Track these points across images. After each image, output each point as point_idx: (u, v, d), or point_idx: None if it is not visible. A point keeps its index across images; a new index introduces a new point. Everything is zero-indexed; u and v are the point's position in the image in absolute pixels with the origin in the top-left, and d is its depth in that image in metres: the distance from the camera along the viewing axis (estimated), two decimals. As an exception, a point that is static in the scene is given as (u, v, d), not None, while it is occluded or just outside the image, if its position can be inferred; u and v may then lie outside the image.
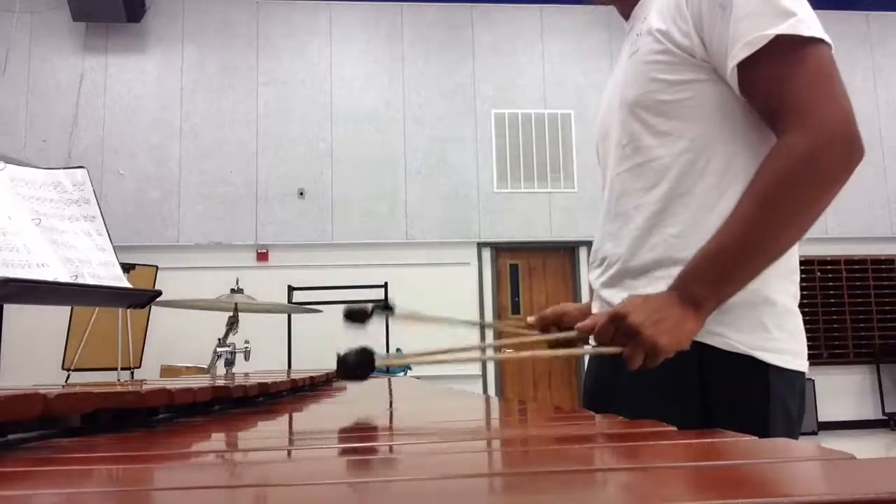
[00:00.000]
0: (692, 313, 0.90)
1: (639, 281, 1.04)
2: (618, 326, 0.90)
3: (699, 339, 0.97)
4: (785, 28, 0.90)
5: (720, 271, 0.91)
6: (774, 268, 0.98)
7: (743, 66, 0.93)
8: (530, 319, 1.28)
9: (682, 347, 0.90)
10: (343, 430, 0.78)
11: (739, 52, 0.92)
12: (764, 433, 0.49)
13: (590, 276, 1.20)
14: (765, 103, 0.95)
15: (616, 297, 1.08)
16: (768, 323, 0.98)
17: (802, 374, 1.01)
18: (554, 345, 1.13)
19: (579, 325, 0.96)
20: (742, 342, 0.97)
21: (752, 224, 0.90)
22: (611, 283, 1.10)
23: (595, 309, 1.16)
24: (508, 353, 1.02)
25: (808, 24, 0.91)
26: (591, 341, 0.98)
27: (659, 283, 0.99)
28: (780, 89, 0.91)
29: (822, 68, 0.91)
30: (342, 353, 0.88)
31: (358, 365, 0.87)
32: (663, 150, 1.03)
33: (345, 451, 0.60)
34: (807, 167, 0.88)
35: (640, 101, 1.05)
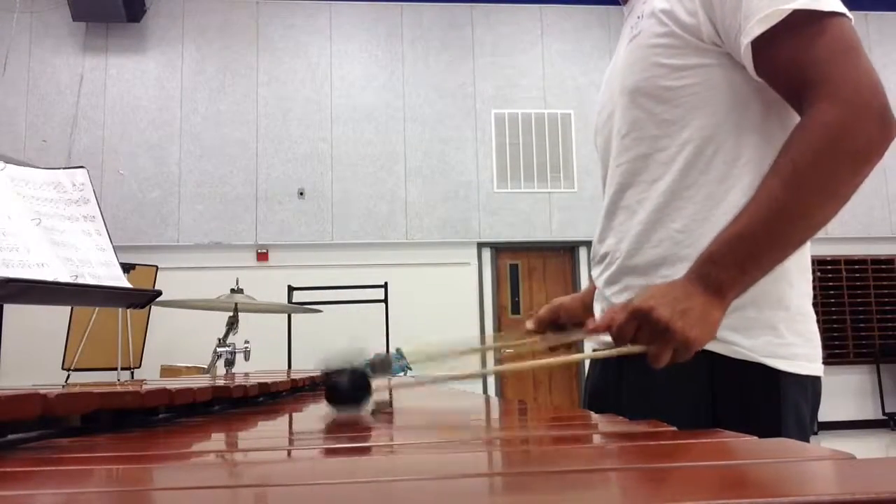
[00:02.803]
0: (716, 301, 0.83)
1: (642, 279, 1.00)
2: (641, 322, 0.81)
3: (708, 347, 0.91)
4: (803, 2, 0.84)
5: (746, 254, 0.83)
6: (790, 266, 0.94)
7: (758, 43, 0.87)
8: (528, 325, 1.22)
9: (711, 339, 0.83)
10: (344, 430, 0.78)
11: (754, 28, 0.87)
12: None
13: (592, 273, 1.15)
14: (786, 80, 0.89)
15: (618, 295, 1.03)
16: (781, 327, 0.93)
17: (817, 378, 0.97)
18: (556, 349, 1.10)
19: (591, 325, 0.87)
20: (753, 350, 0.92)
21: (780, 202, 0.82)
22: (612, 279, 1.05)
23: (597, 309, 1.12)
24: (514, 365, 0.94)
25: None
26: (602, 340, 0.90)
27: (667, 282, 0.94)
28: (802, 63, 0.85)
29: (846, 40, 0.85)
30: (332, 377, 0.78)
31: (353, 392, 0.78)
32: (668, 141, 0.98)
33: (345, 451, 0.60)
34: (841, 139, 0.82)
35: (641, 88, 0.99)
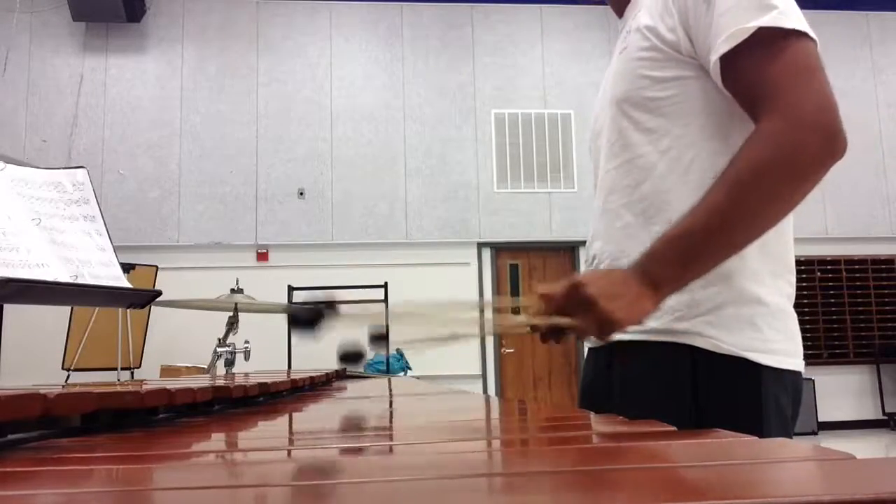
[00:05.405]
0: (650, 293, 0.88)
1: None
2: (573, 296, 0.88)
3: (691, 342, 0.97)
4: (767, 20, 0.89)
5: (683, 255, 0.89)
6: (768, 267, 0.98)
7: (725, 60, 0.92)
8: (520, 319, 1.30)
9: (634, 324, 0.89)
10: (343, 430, 0.78)
11: (721, 46, 0.92)
12: (758, 434, 0.50)
13: None
14: (746, 95, 0.94)
15: None
16: (760, 323, 0.97)
17: (797, 373, 1.00)
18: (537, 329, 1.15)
19: (539, 289, 0.93)
20: (733, 344, 0.96)
21: (719, 209, 0.88)
22: None
23: None
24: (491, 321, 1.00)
25: (791, 17, 0.90)
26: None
27: None
28: (760, 80, 0.90)
29: (804, 60, 0.89)
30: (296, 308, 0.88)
31: (309, 319, 0.84)
32: (650, 147, 1.03)
33: (345, 451, 0.60)
34: (782, 155, 0.86)
35: (627, 98, 1.05)
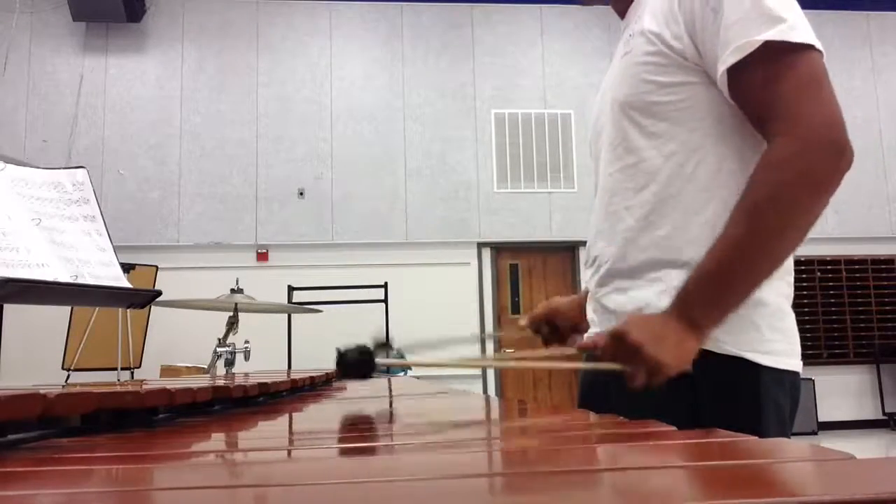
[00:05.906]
0: (692, 332, 0.91)
1: (630, 282, 1.05)
2: (619, 345, 0.90)
3: None
4: (774, 34, 0.89)
5: (715, 291, 0.91)
6: None
7: (732, 71, 0.93)
8: (522, 322, 1.30)
9: (684, 367, 0.90)
10: (343, 430, 0.78)
11: (729, 58, 0.92)
12: (756, 434, 0.50)
13: (583, 276, 1.20)
14: (753, 108, 0.95)
15: (607, 297, 1.09)
16: (760, 323, 0.98)
17: (795, 373, 1.01)
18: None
19: (580, 343, 0.98)
20: (733, 344, 0.97)
21: (744, 242, 0.90)
22: (602, 282, 1.11)
23: (589, 310, 1.17)
24: (510, 363, 1.02)
25: (799, 29, 0.90)
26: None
27: (653, 285, 1.01)
28: (768, 95, 0.91)
29: (811, 74, 0.90)
30: (343, 350, 0.87)
31: (360, 364, 0.87)
32: (654, 152, 1.03)
33: (345, 451, 0.60)
34: (795, 177, 0.88)
35: (631, 102, 1.05)
